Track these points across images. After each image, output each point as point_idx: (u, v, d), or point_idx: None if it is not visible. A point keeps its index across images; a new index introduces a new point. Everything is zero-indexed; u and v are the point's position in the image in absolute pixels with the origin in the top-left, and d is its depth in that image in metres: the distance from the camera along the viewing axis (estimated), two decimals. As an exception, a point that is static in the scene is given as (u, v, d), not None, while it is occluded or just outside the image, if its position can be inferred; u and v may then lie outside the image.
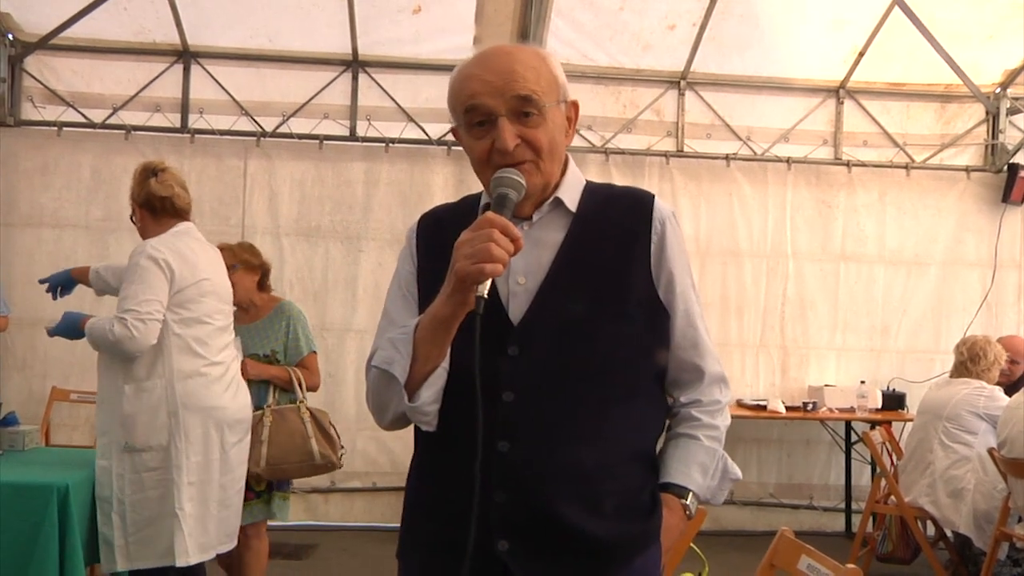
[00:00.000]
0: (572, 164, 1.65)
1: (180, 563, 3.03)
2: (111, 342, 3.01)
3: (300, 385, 3.92)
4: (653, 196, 1.65)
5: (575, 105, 1.62)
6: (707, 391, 1.65)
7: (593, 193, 1.64)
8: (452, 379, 1.51)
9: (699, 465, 1.63)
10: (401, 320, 1.57)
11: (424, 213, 1.72)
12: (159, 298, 3.04)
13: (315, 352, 4.10)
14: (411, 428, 1.61)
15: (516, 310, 1.53)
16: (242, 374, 3.42)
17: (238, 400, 3.27)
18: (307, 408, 3.87)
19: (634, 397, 1.57)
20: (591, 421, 1.52)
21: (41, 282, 3.53)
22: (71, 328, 3.25)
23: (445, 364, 1.51)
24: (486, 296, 1.39)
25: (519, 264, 1.53)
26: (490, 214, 1.42)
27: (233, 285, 3.49)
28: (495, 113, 1.51)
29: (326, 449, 3.81)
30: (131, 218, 3.36)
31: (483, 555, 1.46)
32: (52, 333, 3.34)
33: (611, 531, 1.51)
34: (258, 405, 3.76)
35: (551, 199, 1.59)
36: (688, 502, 1.61)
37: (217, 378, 3.17)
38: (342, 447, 3.94)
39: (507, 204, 1.47)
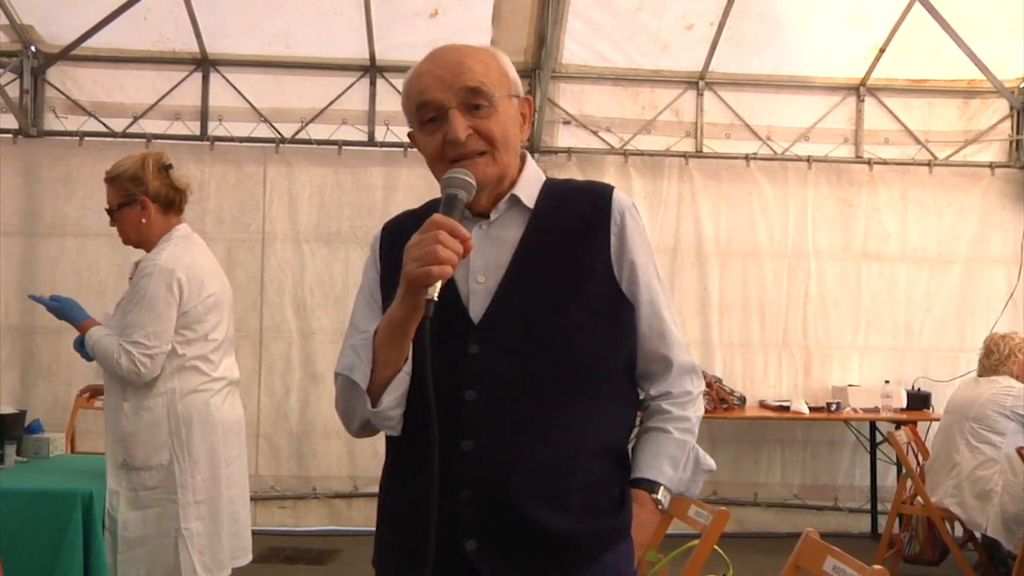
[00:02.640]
0: (530, 161, 1.64)
1: None
2: (118, 375, 2.93)
3: None
4: (612, 188, 1.64)
5: (528, 101, 1.62)
6: (677, 382, 1.63)
7: (552, 189, 1.63)
8: (415, 382, 1.49)
9: (669, 458, 1.60)
10: (364, 326, 1.56)
11: (387, 221, 1.71)
12: (167, 327, 2.93)
13: None
14: None
15: (476, 309, 1.52)
16: None
17: (235, 412, 3.18)
18: None
19: (600, 392, 1.55)
20: (555, 417, 1.50)
21: (36, 298, 3.26)
22: (68, 314, 3.09)
23: (408, 368, 1.49)
24: (436, 299, 1.36)
25: (478, 263, 1.53)
26: (437, 216, 1.40)
27: None
28: (445, 106, 1.51)
29: None
30: (110, 211, 3.11)
31: (450, 555, 1.45)
32: (43, 301, 3.15)
33: (578, 527, 1.49)
34: None
35: (508, 197, 1.58)
36: (659, 496, 1.59)
37: (217, 391, 3.07)
38: None
39: (456, 205, 1.44)
